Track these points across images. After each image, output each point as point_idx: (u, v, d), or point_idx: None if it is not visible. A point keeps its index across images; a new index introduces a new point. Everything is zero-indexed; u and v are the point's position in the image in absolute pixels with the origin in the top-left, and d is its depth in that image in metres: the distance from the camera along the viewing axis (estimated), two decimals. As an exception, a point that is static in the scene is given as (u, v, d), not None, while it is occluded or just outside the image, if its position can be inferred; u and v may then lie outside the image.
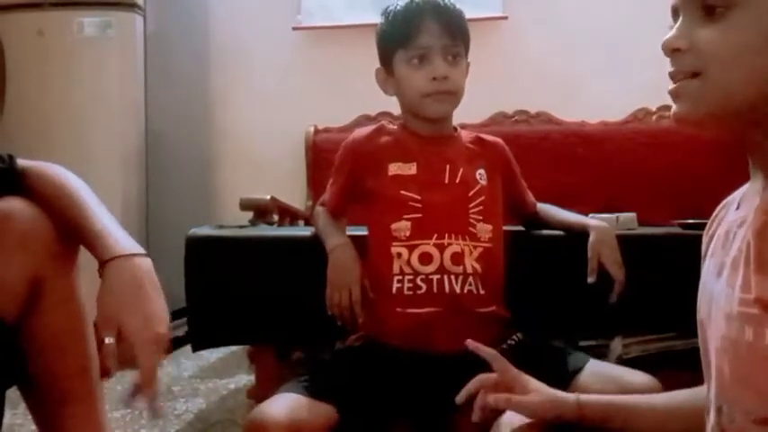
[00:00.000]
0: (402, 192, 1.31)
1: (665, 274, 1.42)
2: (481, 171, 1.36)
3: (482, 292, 1.28)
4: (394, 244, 1.29)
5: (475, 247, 1.29)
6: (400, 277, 1.28)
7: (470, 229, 1.30)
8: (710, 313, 0.70)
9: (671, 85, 0.70)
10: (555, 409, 0.90)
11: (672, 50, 0.69)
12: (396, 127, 1.42)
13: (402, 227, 1.29)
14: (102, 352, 0.93)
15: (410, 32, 1.31)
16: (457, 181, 1.33)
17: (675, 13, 0.71)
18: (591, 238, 1.36)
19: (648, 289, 1.42)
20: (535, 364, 1.18)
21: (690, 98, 0.68)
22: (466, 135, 1.43)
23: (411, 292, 1.27)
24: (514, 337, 1.30)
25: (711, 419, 0.70)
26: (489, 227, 1.32)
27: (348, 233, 1.42)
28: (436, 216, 1.29)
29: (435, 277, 1.26)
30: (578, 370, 1.20)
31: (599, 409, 0.89)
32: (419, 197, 1.30)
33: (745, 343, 0.63)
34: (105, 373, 0.93)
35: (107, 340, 0.92)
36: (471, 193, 1.33)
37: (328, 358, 1.35)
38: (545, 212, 1.49)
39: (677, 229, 1.55)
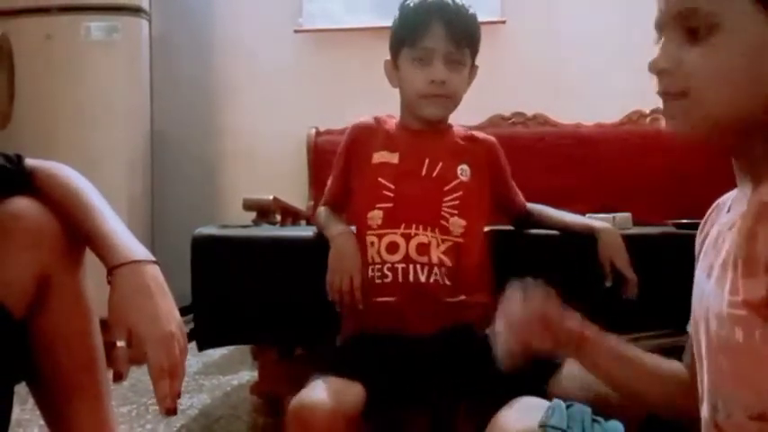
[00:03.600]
0: (379, 179, 1.33)
1: (660, 272, 1.44)
2: (464, 167, 1.37)
3: (448, 283, 1.28)
4: (368, 233, 1.31)
5: (443, 240, 1.30)
6: (372, 266, 1.30)
7: (442, 222, 1.31)
8: (702, 312, 0.72)
9: (662, 104, 0.73)
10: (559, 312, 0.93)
11: (659, 71, 0.71)
12: (393, 120, 1.44)
13: (375, 215, 1.31)
14: (114, 355, 0.93)
15: (417, 33, 1.33)
16: (434, 174, 1.34)
17: (657, 36, 0.73)
18: (600, 243, 1.36)
19: (643, 287, 1.44)
20: None
21: (680, 117, 0.70)
22: (459, 131, 1.43)
23: (380, 281, 1.29)
24: None
25: (706, 414, 0.71)
26: (463, 222, 1.32)
27: None
28: (406, 206, 1.31)
29: (401, 266, 1.28)
30: (557, 366, 1.18)
31: (598, 337, 0.92)
32: (393, 186, 1.32)
33: (735, 343, 0.65)
34: (118, 377, 0.92)
35: (119, 344, 0.92)
36: (447, 187, 1.34)
37: (333, 352, 1.34)
38: (540, 213, 1.49)
39: (672, 229, 1.56)
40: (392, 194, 1.32)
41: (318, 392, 1.12)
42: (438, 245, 1.29)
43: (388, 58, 1.41)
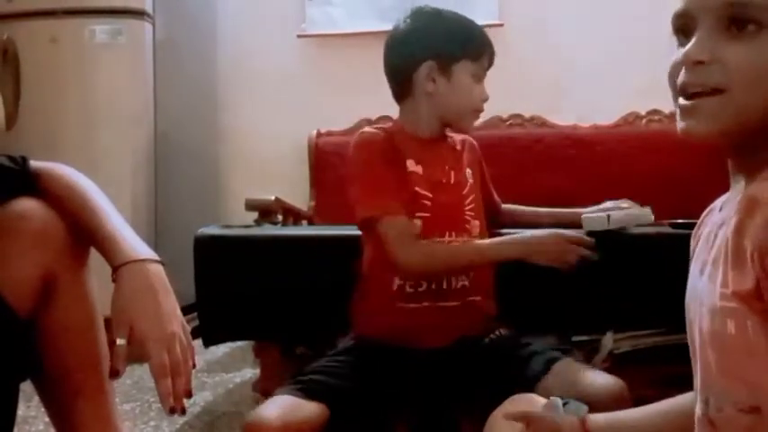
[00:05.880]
0: (416, 188, 1.32)
1: (656, 271, 1.45)
2: (468, 171, 1.41)
3: (466, 283, 1.32)
4: None
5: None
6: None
7: (466, 225, 1.34)
8: (695, 310, 0.72)
9: (682, 101, 0.68)
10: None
11: (695, 63, 0.67)
12: (392, 130, 1.41)
13: (416, 225, 1.30)
14: (113, 353, 0.94)
15: (483, 52, 1.36)
16: (452, 181, 1.37)
17: (682, 24, 0.70)
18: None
19: (640, 286, 1.46)
20: (505, 364, 1.23)
21: (707, 115, 0.66)
22: (451, 137, 1.45)
23: (412, 290, 1.30)
24: (496, 332, 1.33)
25: (698, 411, 0.72)
26: (478, 222, 1.36)
27: (344, 232, 1.45)
28: (441, 215, 1.33)
29: None
30: (545, 371, 1.20)
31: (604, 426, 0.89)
32: (431, 195, 1.33)
33: (728, 336, 0.65)
34: (114, 374, 0.93)
35: (118, 341, 0.93)
36: (465, 191, 1.37)
37: (324, 358, 1.35)
38: (512, 211, 1.54)
39: (668, 229, 1.57)
40: (430, 203, 1.32)
41: (271, 410, 1.15)
42: None
43: (431, 61, 1.32)
